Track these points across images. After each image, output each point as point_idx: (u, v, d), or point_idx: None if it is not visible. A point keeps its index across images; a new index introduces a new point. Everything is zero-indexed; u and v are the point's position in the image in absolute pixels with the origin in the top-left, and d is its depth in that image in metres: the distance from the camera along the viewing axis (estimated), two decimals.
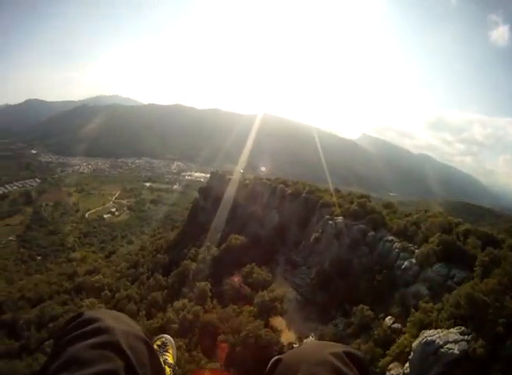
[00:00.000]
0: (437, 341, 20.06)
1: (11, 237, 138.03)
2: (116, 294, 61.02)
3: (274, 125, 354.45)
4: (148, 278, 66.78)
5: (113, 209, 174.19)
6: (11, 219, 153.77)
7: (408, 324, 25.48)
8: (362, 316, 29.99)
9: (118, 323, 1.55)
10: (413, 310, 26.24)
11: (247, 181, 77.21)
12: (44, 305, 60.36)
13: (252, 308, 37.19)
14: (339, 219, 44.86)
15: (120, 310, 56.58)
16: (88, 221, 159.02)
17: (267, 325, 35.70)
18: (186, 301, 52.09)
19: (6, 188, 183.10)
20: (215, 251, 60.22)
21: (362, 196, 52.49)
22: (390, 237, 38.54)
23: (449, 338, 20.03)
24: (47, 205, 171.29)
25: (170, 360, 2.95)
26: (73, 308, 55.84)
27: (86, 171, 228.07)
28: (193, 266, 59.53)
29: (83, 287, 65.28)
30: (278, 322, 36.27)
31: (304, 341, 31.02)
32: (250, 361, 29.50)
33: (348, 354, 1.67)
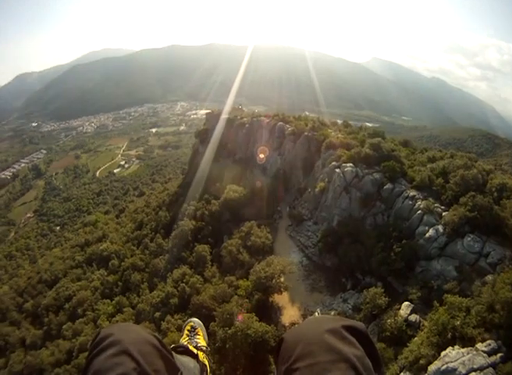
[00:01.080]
0: (459, 370, 15.70)
1: (28, 214, 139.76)
2: (122, 263, 58.21)
3: (276, 54, 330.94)
4: (152, 239, 62.41)
5: (122, 162, 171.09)
6: (25, 197, 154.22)
7: (428, 324, 19.15)
8: (374, 305, 23.06)
9: (128, 333, 1.73)
10: (436, 304, 20.22)
11: (245, 119, 67.84)
12: (58, 286, 59.94)
13: (248, 283, 31.13)
14: (348, 166, 35.78)
15: (125, 281, 53.81)
16: (99, 179, 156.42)
17: (267, 300, 30.00)
18: (185, 268, 47.34)
19: (14, 168, 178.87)
20: (213, 205, 53.80)
21: (375, 134, 43.17)
22: (411, 193, 30.31)
23: (474, 364, 15.63)
24: (57, 173, 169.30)
25: (202, 343, 3.18)
26: (85, 284, 56.84)
27: (89, 130, 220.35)
28: (191, 224, 53.70)
29: (93, 258, 64.72)
30: (279, 297, 30.18)
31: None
32: (243, 358, 24.01)
33: (347, 328, 1.62)
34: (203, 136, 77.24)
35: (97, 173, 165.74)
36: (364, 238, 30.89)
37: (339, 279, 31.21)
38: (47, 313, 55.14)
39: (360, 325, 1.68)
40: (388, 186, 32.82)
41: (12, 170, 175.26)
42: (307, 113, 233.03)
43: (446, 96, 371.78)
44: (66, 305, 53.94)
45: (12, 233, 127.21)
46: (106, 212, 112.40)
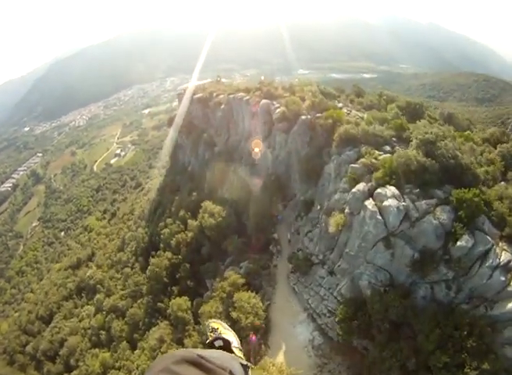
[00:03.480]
0: None
1: (34, 224, 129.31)
2: (106, 300, 48.79)
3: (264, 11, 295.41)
4: (132, 266, 50.03)
5: (118, 151, 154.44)
6: (28, 206, 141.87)
7: None
8: None
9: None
10: None
11: (221, 97, 48.23)
12: (52, 326, 57.03)
13: None
14: (390, 196, 18.31)
15: (109, 328, 44.72)
16: (97, 174, 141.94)
17: None
18: (163, 328, 31.52)
19: (13, 178, 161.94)
20: (190, 229, 36.27)
21: (410, 107, 25.98)
22: (505, 256, 15.90)
23: None
24: (55, 174, 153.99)
25: (229, 336, 2.76)
26: (75, 326, 52.78)
27: (82, 123, 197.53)
28: (167, 260, 36.88)
29: (82, 287, 60.62)
30: None
31: None
32: None
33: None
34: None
35: (95, 166, 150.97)
36: (411, 319, 16.76)
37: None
38: (46, 359, 52.49)
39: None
40: (464, 242, 16.45)
41: (11, 181, 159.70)
42: (301, 72, 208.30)
43: (445, 41, 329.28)
44: (61, 352, 49.67)
45: (21, 247, 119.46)
46: (104, 212, 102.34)
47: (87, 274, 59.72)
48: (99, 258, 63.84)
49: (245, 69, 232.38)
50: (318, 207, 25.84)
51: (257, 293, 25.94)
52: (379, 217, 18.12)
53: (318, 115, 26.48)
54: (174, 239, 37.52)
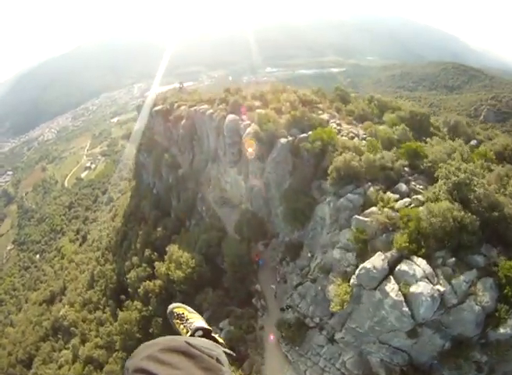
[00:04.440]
0: None
1: (9, 247, 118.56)
2: (80, 350, 41.66)
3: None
4: (104, 309, 43.24)
5: (88, 164, 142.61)
6: (2, 228, 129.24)
7: None
8: None
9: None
10: None
11: (182, 109, 39.90)
12: (34, 372, 50.92)
13: None
14: (417, 267, 11.72)
15: None
16: (69, 189, 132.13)
17: None
18: None
19: None
20: (158, 275, 28.42)
21: (414, 114, 20.05)
22: None
23: None
24: (27, 193, 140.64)
25: (199, 321, 2.49)
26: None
27: (51, 137, 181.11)
28: (135, 315, 29.11)
29: (57, 327, 54.75)
30: None
31: None
32: None
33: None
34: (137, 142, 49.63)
35: (66, 181, 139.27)
36: None
37: None
38: None
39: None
40: (509, 329, 11.62)
41: None
42: (269, 70, 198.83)
43: (410, 32, 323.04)
44: None
45: None
46: (77, 232, 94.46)
47: (61, 313, 54.08)
48: (70, 294, 57.48)
49: (212, 71, 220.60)
50: (309, 254, 19.01)
51: (242, 364, 19.37)
52: (405, 309, 11.50)
53: (302, 135, 19.10)
54: (142, 287, 29.64)
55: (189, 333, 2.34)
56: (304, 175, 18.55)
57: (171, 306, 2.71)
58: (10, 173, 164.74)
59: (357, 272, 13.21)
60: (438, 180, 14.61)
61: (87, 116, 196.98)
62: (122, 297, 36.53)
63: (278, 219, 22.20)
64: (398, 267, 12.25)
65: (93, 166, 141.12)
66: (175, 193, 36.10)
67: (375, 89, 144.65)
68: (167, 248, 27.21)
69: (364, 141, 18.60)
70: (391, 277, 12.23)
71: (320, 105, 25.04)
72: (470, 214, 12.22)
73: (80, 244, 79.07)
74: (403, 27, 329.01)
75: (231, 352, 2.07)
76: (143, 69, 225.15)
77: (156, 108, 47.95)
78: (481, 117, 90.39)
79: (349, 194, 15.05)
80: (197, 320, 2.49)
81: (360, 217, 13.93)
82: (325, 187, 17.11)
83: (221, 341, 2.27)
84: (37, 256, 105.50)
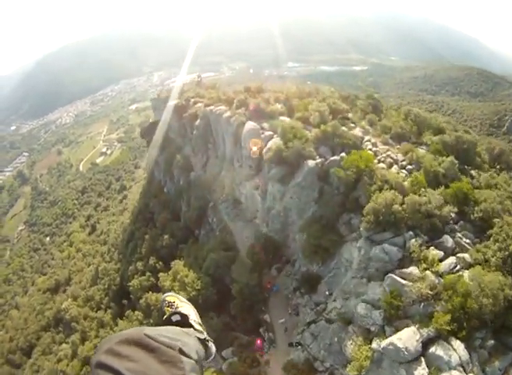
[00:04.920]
0: None
1: (20, 227, 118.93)
2: (79, 349, 41.62)
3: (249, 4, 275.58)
4: (106, 311, 42.93)
5: (104, 149, 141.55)
6: (15, 208, 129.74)
7: None
8: None
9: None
10: None
11: (198, 106, 37.19)
12: (31, 363, 51.81)
13: None
14: (453, 354, 9.40)
15: None
16: (83, 174, 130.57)
17: None
18: None
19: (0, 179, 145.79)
20: (163, 284, 26.26)
21: (460, 141, 17.25)
22: None
23: None
24: (41, 175, 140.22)
25: (187, 309, 2.42)
26: (53, 369, 44.61)
27: (68, 121, 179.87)
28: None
29: (58, 318, 54.91)
30: None
31: None
32: None
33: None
34: (151, 136, 47.15)
35: (81, 166, 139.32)
36: None
37: None
38: None
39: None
40: None
41: None
42: (291, 65, 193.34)
43: (435, 34, 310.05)
44: None
45: (8, 252, 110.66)
46: (88, 218, 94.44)
47: (63, 306, 53.96)
48: (74, 287, 57.33)
49: (233, 62, 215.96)
50: (327, 292, 16.35)
51: None
52: None
53: (333, 158, 16.23)
54: (144, 299, 27.56)
55: (165, 317, 2.22)
56: (332, 205, 15.74)
57: (164, 295, 2.50)
58: (26, 154, 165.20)
59: (383, 344, 10.66)
60: (489, 237, 12.07)
61: (105, 101, 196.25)
62: (125, 302, 34.95)
63: (296, 245, 19.53)
64: (433, 349, 9.89)
65: (109, 151, 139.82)
66: (185, 196, 33.63)
67: (396, 90, 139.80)
68: (172, 263, 24.84)
69: (404, 171, 15.71)
70: (422, 360, 9.71)
71: (350, 115, 22.06)
72: None
73: (89, 234, 78.60)
74: (424, 27, 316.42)
75: (207, 337, 2.02)
76: (164, 58, 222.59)
77: (171, 102, 45.49)
78: (504, 128, 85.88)
79: (385, 244, 12.29)
80: (186, 309, 2.37)
81: (398, 278, 11.24)
82: (355, 223, 14.37)
83: (197, 327, 2.15)
84: (47, 239, 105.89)
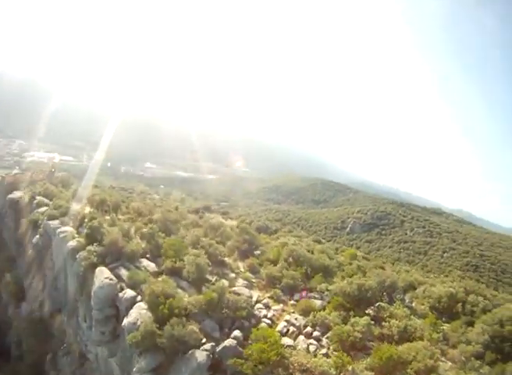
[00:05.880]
0: None
1: None
2: None
3: None
4: None
5: None
6: None
7: None
8: None
9: None
10: None
11: (41, 212, 28.09)
12: None
13: None
14: None
15: None
16: None
17: None
18: None
19: None
20: None
21: None
22: None
23: None
24: None
25: None
26: None
27: None
28: None
29: None
30: None
31: None
32: None
33: None
34: None
35: None
36: None
37: None
38: None
39: None
40: None
41: None
42: (148, 166, 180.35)
43: (287, 153, 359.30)
44: None
45: None
46: None
47: None
48: None
49: (94, 151, 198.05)
50: None
51: None
52: None
53: (228, 343, 11.73)
54: None
55: None
56: None
57: None
58: None
59: None
60: None
61: None
62: None
63: None
64: None
65: None
66: (15, 339, 22.90)
67: (245, 200, 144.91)
68: None
69: (314, 343, 12.25)
70: None
71: (227, 260, 18.56)
72: None
73: None
74: (283, 151, 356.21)
75: None
76: (31, 124, 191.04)
77: (13, 194, 35.32)
78: (348, 229, 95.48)
79: None
80: None
81: None
82: None
83: None
84: None
